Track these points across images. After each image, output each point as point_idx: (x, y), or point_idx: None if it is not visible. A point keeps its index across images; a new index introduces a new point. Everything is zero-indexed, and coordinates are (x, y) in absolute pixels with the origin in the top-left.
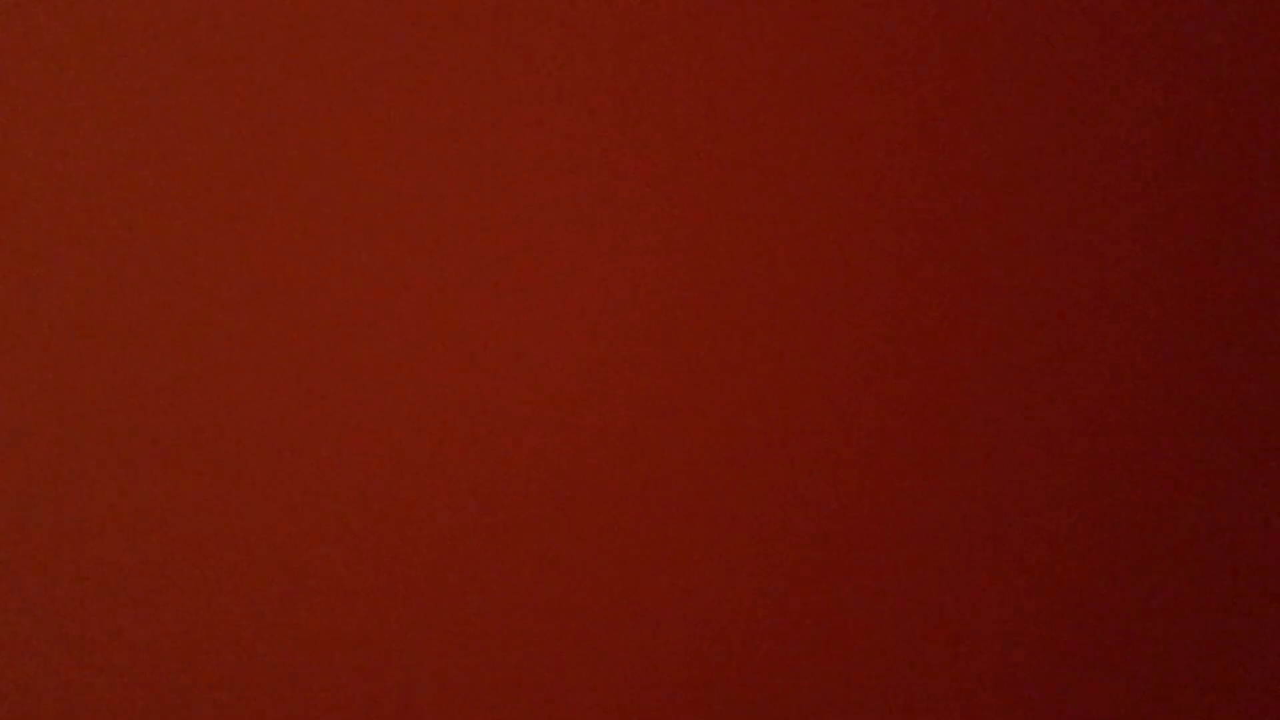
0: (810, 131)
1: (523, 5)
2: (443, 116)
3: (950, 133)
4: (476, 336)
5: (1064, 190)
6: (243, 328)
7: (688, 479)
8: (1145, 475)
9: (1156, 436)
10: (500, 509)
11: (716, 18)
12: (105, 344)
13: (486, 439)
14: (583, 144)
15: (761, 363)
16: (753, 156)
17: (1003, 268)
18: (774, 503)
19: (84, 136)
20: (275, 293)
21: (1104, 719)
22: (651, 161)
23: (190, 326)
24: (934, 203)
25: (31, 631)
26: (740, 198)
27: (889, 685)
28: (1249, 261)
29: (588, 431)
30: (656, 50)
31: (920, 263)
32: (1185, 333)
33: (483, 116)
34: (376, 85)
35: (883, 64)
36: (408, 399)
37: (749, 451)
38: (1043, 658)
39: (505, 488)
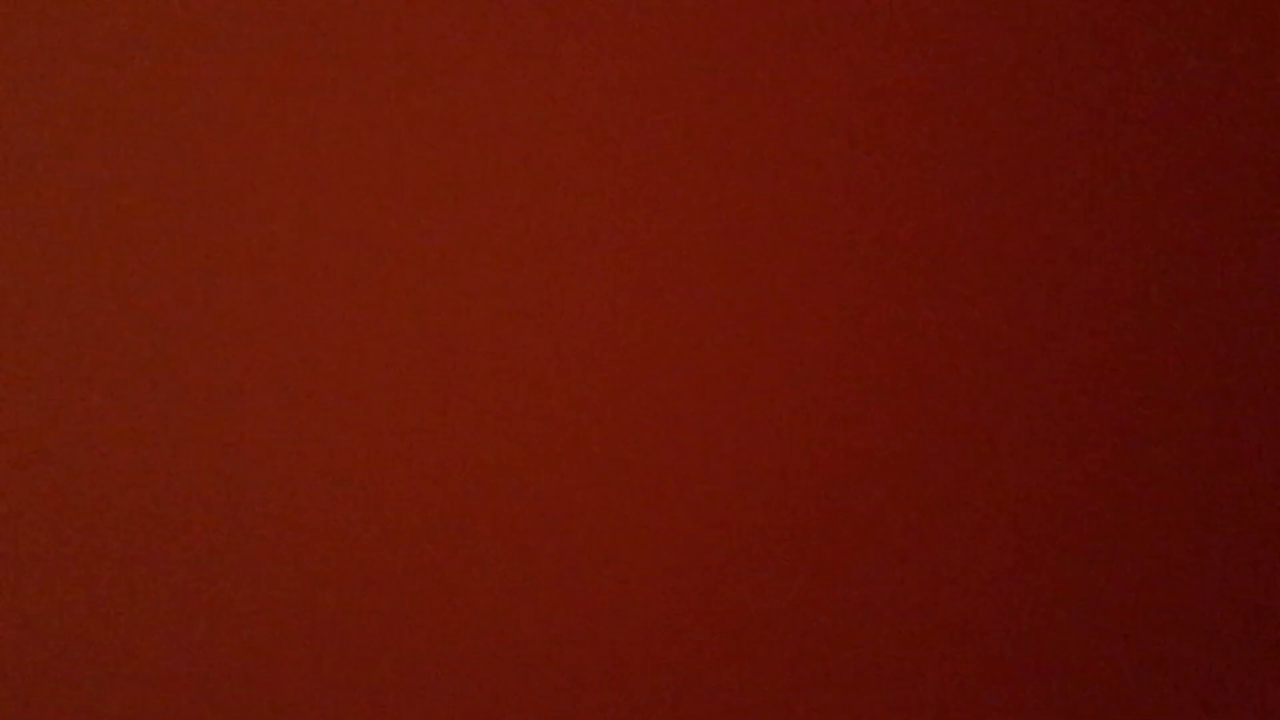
0: (808, 132)
1: (522, 5)
2: (439, 116)
3: (947, 133)
4: (473, 336)
5: (1060, 190)
6: (238, 326)
7: (686, 480)
8: (1145, 475)
9: (1155, 436)
10: (497, 508)
11: (714, 18)
12: (104, 343)
13: (484, 438)
14: (579, 144)
15: (760, 364)
16: (749, 157)
17: (1000, 267)
18: (772, 503)
19: (84, 136)
20: (272, 292)
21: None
22: (649, 162)
23: (187, 325)
24: (932, 203)
25: (30, 630)
26: (737, 198)
27: (884, 685)
28: (1250, 261)
29: (586, 432)
30: (655, 50)
31: (918, 263)
32: (1186, 333)
33: (479, 115)
34: (372, 85)
35: (879, 64)
36: (405, 398)
37: (747, 452)
38: (1040, 658)
39: (502, 487)
